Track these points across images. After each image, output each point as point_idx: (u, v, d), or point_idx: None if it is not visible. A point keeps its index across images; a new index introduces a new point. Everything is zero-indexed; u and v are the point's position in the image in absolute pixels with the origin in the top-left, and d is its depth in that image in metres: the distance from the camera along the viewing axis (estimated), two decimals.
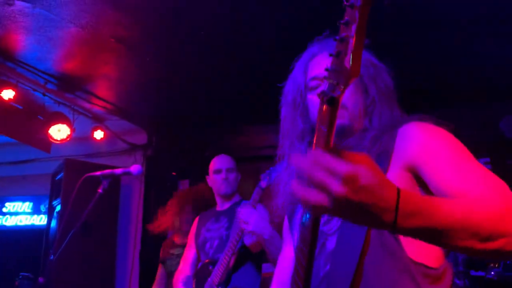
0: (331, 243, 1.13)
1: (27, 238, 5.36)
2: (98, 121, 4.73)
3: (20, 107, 4.13)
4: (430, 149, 1.04)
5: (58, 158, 4.75)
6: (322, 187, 0.70)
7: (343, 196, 0.69)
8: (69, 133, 4.19)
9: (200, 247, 2.75)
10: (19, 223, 5.67)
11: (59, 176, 4.49)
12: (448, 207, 0.79)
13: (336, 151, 0.72)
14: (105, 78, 4.02)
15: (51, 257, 4.43)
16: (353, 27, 0.71)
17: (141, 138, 5.05)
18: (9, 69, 3.70)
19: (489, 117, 4.10)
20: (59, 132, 4.16)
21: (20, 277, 4.59)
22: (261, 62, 3.63)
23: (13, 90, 3.71)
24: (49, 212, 4.67)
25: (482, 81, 3.82)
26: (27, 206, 5.72)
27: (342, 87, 0.73)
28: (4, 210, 5.73)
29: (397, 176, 1.06)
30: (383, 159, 1.09)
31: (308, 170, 0.71)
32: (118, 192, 4.61)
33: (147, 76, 3.94)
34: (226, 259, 2.43)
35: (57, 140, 4.16)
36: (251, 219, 2.23)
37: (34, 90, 3.94)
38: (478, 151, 1.08)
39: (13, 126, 4.22)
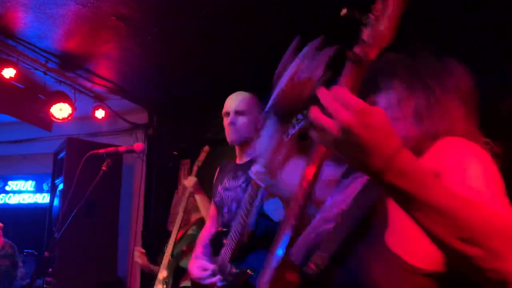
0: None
1: (30, 216, 5.41)
2: (100, 100, 4.73)
3: (22, 86, 4.13)
4: (456, 166, 0.92)
5: (60, 137, 4.76)
6: (335, 115, 0.73)
7: (349, 126, 0.72)
8: (70, 112, 4.20)
9: (218, 208, 2.32)
10: (22, 202, 5.72)
11: (61, 155, 4.52)
12: (445, 191, 0.77)
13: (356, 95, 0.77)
14: (106, 57, 4.00)
15: (55, 235, 4.50)
16: None
17: (142, 117, 5.06)
18: (10, 47, 3.69)
19: None
20: (60, 111, 4.16)
21: (25, 253, 4.67)
22: (264, 42, 3.61)
23: (14, 68, 3.70)
24: (52, 191, 4.71)
25: None
26: (29, 184, 5.76)
27: (375, 51, 0.79)
28: (7, 188, 5.78)
29: None
30: None
31: (328, 100, 0.75)
32: (120, 171, 4.64)
33: (148, 56, 3.92)
34: (237, 232, 2.01)
35: (59, 119, 4.17)
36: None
37: (35, 68, 3.93)
38: None
39: (14, 105, 4.22)
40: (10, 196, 5.74)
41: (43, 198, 5.63)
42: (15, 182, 5.78)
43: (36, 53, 3.75)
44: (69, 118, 4.23)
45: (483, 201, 0.81)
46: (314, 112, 0.75)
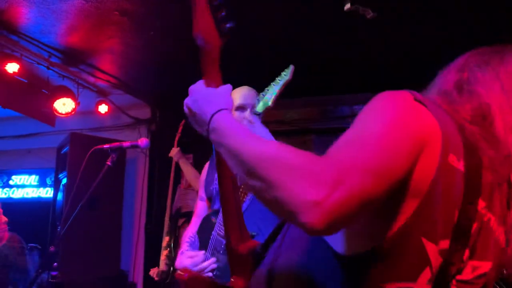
0: None
1: (34, 210, 5.44)
2: (103, 95, 4.75)
3: (25, 81, 4.14)
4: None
5: (63, 131, 4.78)
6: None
7: (186, 104, 1.07)
8: (74, 106, 4.21)
9: (213, 200, 2.28)
10: (25, 196, 5.75)
11: (64, 150, 4.53)
12: (235, 138, 0.90)
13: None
14: (109, 52, 4.00)
15: (59, 229, 4.53)
16: None
17: (145, 112, 5.07)
18: (13, 42, 3.69)
19: None
20: (64, 105, 4.17)
21: (29, 247, 4.69)
22: (268, 36, 3.61)
23: (17, 63, 3.71)
24: (55, 185, 4.73)
25: None
26: (33, 179, 5.79)
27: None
28: (10, 183, 5.80)
29: None
30: None
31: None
32: (124, 166, 4.66)
33: (151, 51, 3.92)
34: None
35: (62, 114, 4.19)
36: None
37: (38, 63, 3.94)
38: None
39: (18, 99, 4.23)
40: (14, 191, 5.77)
41: (46, 193, 5.65)
42: (18, 177, 5.81)
43: (39, 48, 3.75)
44: (72, 113, 4.24)
45: (265, 139, 0.85)
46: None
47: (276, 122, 5.16)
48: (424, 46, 3.66)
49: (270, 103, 1.88)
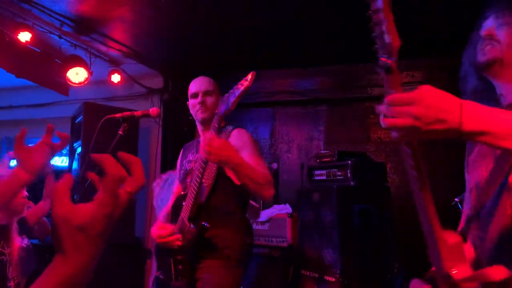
0: None
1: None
2: (115, 65, 4.73)
3: (37, 50, 4.13)
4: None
5: (77, 101, 4.80)
6: (404, 113, 0.96)
7: (420, 114, 0.95)
8: (86, 76, 4.21)
9: (181, 181, 2.55)
10: None
11: (78, 119, 4.57)
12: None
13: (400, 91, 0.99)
14: (120, 21, 3.97)
15: (75, 197, 4.60)
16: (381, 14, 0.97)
17: (158, 82, 5.06)
18: (25, 11, 3.67)
19: None
20: (77, 75, 4.18)
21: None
22: (279, 6, 3.54)
23: (30, 32, 3.69)
24: (70, 154, 4.79)
25: None
26: None
27: (392, 58, 0.97)
28: None
29: None
30: None
31: (388, 109, 0.98)
32: (137, 135, 4.68)
33: (162, 19, 3.88)
34: (193, 191, 2.22)
35: (75, 83, 4.20)
36: (213, 144, 2.00)
37: (50, 32, 3.92)
38: None
39: (31, 69, 4.23)
40: None
41: (62, 161, 5.73)
42: None
43: (51, 17, 3.73)
44: (85, 82, 4.25)
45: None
46: (387, 121, 0.99)
47: (289, 92, 5.12)
48: (437, 12, 3.55)
49: (231, 105, 2.04)
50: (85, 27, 3.98)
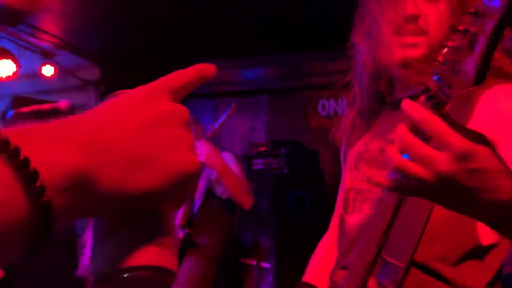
0: None
1: None
2: (47, 57, 4.57)
3: None
4: None
5: (8, 96, 4.61)
6: (427, 161, 0.60)
7: (450, 175, 0.59)
8: (15, 69, 4.05)
9: None
10: None
11: (9, 114, 4.39)
12: None
13: (449, 120, 0.60)
14: (48, 11, 3.83)
15: None
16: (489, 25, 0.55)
17: (94, 73, 4.92)
18: None
19: None
20: (4, 68, 4.00)
21: None
22: None
23: None
24: None
25: None
26: None
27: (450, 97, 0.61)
28: None
29: None
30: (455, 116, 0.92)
31: (409, 138, 0.61)
32: None
33: (90, 8, 3.77)
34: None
35: (2, 78, 4.03)
36: (203, 151, 2.34)
37: None
38: None
39: None
40: None
41: None
42: None
43: None
44: (14, 76, 4.08)
45: None
46: (392, 155, 0.63)
47: (231, 82, 5.12)
48: None
49: (216, 131, 2.51)
50: (10, 18, 3.82)
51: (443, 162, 0.59)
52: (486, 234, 0.92)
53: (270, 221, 3.55)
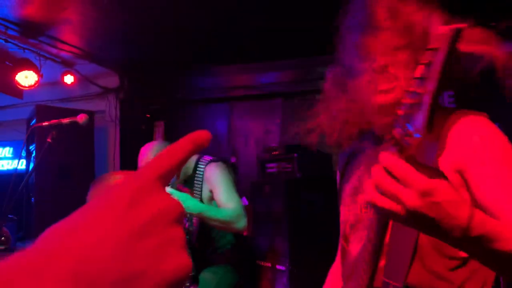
0: None
1: (10, 182, 5.48)
2: (68, 66, 4.73)
3: None
4: (480, 155, 0.98)
5: (33, 103, 4.79)
6: (396, 197, 0.73)
7: (416, 208, 0.72)
8: (36, 79, 4.21)
9: None
10: (1, 168, 5.81)
11: (33, 122, 4.56)
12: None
13: (413, 162, 0.73)
14: (67, 23, 3.97)
15: (32, 200, 4.62)
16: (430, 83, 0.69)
17: (113, 81, 5.07)
18: None
19: None
20: (26, 78, 4.17)
21: (8, 219, 4.79)
22: (230, 2, 3.60)
23: None
24: (27, 157, 4.79)
25: None
26: (7, 151, 5.83)
27: (410, 139, 0.73)
28: None
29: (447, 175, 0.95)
30: (431, 147, 1.02)
31: (382, 178, 0.74)
32: (92, 135, 4.70)
33: (109, 20, 3.89)
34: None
35: (25, 87, 4.19)
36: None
37: None
38: None
39: None
40: None
41: (21, 164, 5.71)
42: None
43: None
44: (36, 85, 4.25)
45: None
46: (372, 195, 0.77)
47: (245, 87, 5.20)
48: None
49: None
50: (31, 30, 3.98)
51: (409, 198, 0.72)
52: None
53: (284, 224, 3.62)
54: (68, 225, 0.35)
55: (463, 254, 1.02)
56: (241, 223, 2.32)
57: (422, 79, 0.70)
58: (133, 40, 4.40)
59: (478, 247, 0.78)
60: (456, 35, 0.68)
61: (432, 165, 1.00)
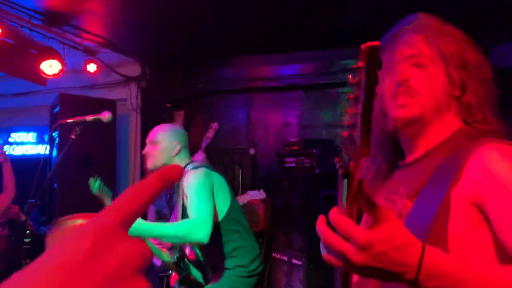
0: None
1: (34, 167, 5.61)
2: (91, 54, 4.78)
3: (11, 42, 4.17)
4: (504, 187, 0.88)
5: (56, 90, 4.87)
6: (341, 254, 0.73)
7: (361, 262, 0.71)
8: (60, 67, 4.27)
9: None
10: (25, 153, 5.94)
11: (56, 109, 4.64)
12: (475, 276, 0.75)
13: (361, 194, 0.71)
14: (90, 13, 4.00)
15: (55, 186, 4.72)
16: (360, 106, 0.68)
17: (135, 69, 5.11)
18: None
19: None
20: (50, 67, 4.23)
21: (29, 203, 4.91)
22: None
23: (0, 27, 3.74)
24: (50, 143, 4.88)
25: None
26: (31, 136, 5.95)
27: (352, 163, 0.70)
28: (10, 140, 5.97)
29: (460, 208, 0.92)
30: (446, 175, 0.95)
31: (327, 235, 0.74)
32: (114, 123, 4.76)
33: (132, 9, 3.91)
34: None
35: (49, 75, 4.25)
36: None
37: (22, 26, 3.96)
38: None
39: (7, 61, 4.28)
40: (14, 148, 5.95)
41: (45, 149, 5.83)
42: (17, 134, 5.97)
43: (22, 12, 3.77)
44: (60, 74, 4.30)
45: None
46: (323, 254, 0.77)
47: (265, 78, 5.18)
48: None
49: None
50: (55, 20, 4.02)
51: (353, 253, 0.72)
52: None
53: (301, 219, 3.63)
54: (21, 280, 0.31)
55: None
56: (198, 234, 2.12)
57: (356, 99, 0.68)
58: (155, 30, 4.42)
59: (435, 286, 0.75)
60: (371, 53, 0.67)
61: (443, 193, 0.92)
